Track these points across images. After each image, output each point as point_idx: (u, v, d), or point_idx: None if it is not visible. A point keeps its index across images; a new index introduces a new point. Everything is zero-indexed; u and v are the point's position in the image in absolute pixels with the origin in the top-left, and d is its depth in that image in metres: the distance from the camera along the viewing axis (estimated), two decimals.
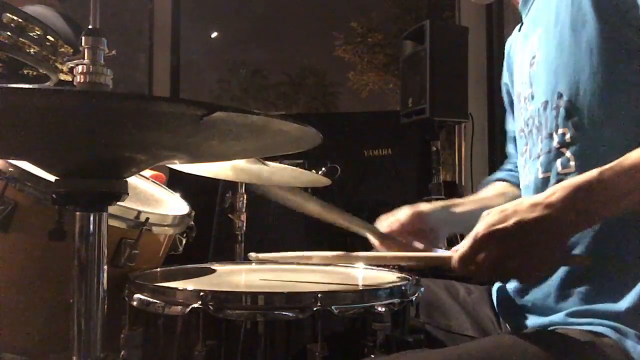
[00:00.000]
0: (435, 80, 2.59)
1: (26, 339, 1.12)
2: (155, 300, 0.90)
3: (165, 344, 0.94)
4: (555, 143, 0.92)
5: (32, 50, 0.94)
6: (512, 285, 1.00)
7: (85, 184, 0.73)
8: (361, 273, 1.20)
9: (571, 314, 0.85)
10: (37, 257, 1.11)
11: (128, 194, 0.77)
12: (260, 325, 0.86)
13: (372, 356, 0.85)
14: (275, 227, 2.50)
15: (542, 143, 0.95)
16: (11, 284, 1.11)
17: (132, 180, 1.35)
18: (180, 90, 3.85)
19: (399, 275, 1.09)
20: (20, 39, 0.93)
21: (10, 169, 1.06)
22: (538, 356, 0.76)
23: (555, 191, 0.77)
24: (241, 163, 1.48)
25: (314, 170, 1.79)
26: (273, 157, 1.59)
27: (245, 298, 0.87)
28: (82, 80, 0.72)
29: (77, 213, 0.74)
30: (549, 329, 0.87)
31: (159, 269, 1.18)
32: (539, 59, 0.97)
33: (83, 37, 0.72)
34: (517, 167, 1.13)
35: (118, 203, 0.77)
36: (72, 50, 0.96)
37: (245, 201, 1.66)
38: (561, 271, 0.87)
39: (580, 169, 0.87)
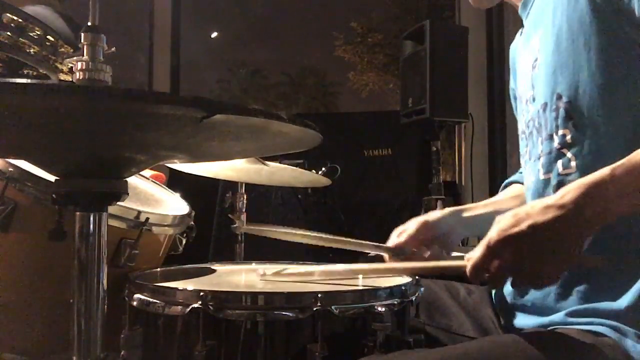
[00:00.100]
0: (435, 80, 2.59)
1: (26, 339, 1.12)
2: (155, 300, 0.90)
3: (165, 344, 0.94)
4: (555, 144, 0.91)
5: (32, 50, 0.94)
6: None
7: (85, 184, 0.73)
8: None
9: (571, 314, 0.85)
10: (37, 257, 1.11)
11: (128, 194, 0.77)
12: (260, 325, 0.86)
13: (371, 355, 0.84)
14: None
15: (543, 144, 0.95)
16: (11, 284, 1.11)
17: (132, 180, 1.35)
18: (180, 90, 3.85)
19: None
20: (20, 39, 0.93)
21: (10, 169, 1.06)
22: (538, 356, 0.76)
23: (568, 192, 0.75)
24: (241, 163, 1.48)
25: (314, 170, 1.79)
26: (273, 157, 1.59)
27: (245, 298, 0.87)
28: (81, 77, 0.72)
29: (77, 213, 0.74)
30: (548, 328, 0.87)
31: (159, 269, 1.18)
32: (540, 62, 0.97)
33: (82, 34, 0.72)
34: None
35: (118, 203, 0.78)
36: (72, 50, 0.96)
37: (245, 201, 1.66)
38: None
39: (581, 169, 0.87)
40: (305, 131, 0.71)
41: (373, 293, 0.91)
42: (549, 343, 0.80)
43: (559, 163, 0.91)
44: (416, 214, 1.22)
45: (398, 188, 3.11)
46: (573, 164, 0.89)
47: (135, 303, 0.93)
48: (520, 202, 1.14)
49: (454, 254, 1.09)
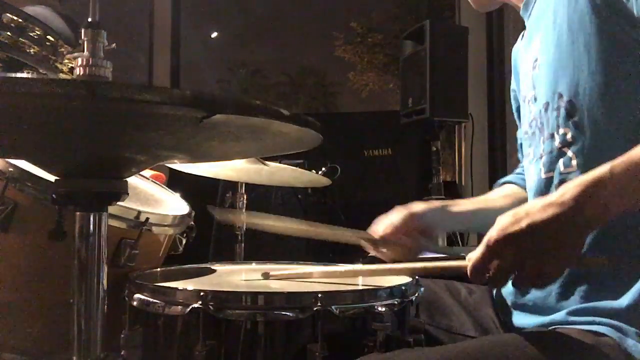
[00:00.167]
0: (435, 80, 2.59)
1: (26, 339, 1.12)
2: (155, 300, 0.90)
3: (165, 344, 0.94)
4: (557, 143, 0.92)
5: (32, 50, 0.94)
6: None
7: (85, 184, 0.73)
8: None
9: (572, 313, 0.85)
10: (37, 257, 1.11)
11: (128, 194, 0.77)
12: (260, 325, 0.86)
13: (371, 354, 0.84)
14: None
15: (544, 144, 0.95)
16: (11, 284, 1.11)
17: (132, 180, 1.35)
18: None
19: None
20: (20, 39, 0.93)
21: (10, 169, 1.06)
22: (538, 355, 0.76)
23: (567, 190, 0.75)
24: (241, 163, 1.48)
25: (314, 170, 1.79)
26: (273, 157, 1.59)
27: (245, 298, 0.87)
28: (81, 73, 0.72)
29: (77, 213, 0.74)
30: (549, 328, 0.87)
31: (159, 269, 1.18)
32: (540, 62, 0.97)
33: (82, 30, 0.72)
34: None
35: (118, 203, 0.77)
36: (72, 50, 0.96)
37: (245, 201, 1.67)
38: None
39: (582, 168, 0.87)
40: (306, 131, 0.71)
41: (373, 293, 0.91)
42: (549, 342, 0.80)
43: (560, 162, 0.91)
44: None
45: (398, 188, 3.11)
46: (574, 162, 0.89)
47: (135, 303, 0.93)
48: (511, 202, 1.14)
49: (456, 249, 1.09)
